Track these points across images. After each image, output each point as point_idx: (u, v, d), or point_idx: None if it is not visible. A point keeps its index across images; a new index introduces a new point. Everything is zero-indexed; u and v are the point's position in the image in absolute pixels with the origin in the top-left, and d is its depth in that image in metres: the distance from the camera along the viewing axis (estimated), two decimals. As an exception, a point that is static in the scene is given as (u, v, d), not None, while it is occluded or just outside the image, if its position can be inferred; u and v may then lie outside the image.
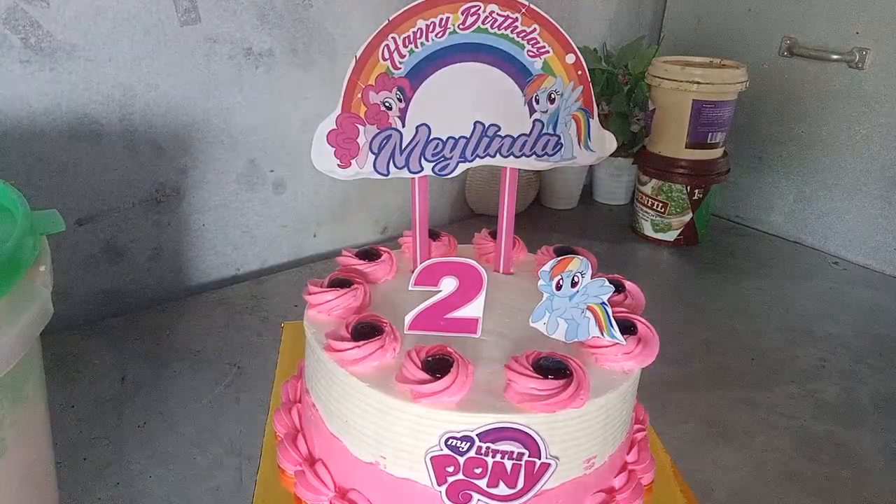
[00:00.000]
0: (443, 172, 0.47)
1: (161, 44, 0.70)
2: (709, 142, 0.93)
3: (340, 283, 0.46)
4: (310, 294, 0.46)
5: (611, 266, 0.51)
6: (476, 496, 0.38)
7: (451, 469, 0.38)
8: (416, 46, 0.44)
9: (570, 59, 0.47)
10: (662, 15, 1.18)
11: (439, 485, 0.38)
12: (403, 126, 0.45)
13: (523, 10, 0.45)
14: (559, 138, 0.48)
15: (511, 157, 0.48)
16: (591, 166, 1.06)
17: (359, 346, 0.40)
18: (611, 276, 0.46)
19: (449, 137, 0.46)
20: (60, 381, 0.61)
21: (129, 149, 0.72)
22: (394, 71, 0.44)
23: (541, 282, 0.42)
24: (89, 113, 0.68)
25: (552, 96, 0.47)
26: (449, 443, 0.37)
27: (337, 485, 0.43)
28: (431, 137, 0.46)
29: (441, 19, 0.44)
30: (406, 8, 0.43)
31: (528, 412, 0.37)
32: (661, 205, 0.97)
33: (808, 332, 0.77)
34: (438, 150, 0.46)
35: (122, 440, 0.55)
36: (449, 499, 0.38)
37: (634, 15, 1.16)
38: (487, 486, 0.38)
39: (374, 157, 0.45)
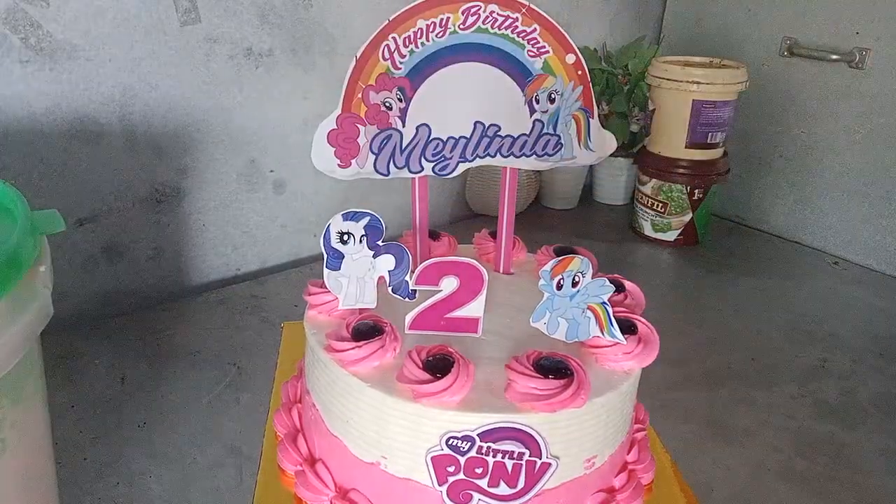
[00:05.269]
0: (443, 172, 0.47)
1: (161, 44, 0.70)
2: (709, 142, 0.93)
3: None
4: (310, 294, 0.46)
5: (611, 266, 0.51)
6: (477, 496, 0.38)
7: (451, 469, 0.38)
8: (417, 46, 0.44)
9: (571, 58, 0.47)
10: (662, 15, 1.18)
11: (440, 485, 0.38)
12: (404, 126, 0.45)
13: (523, 10, 0.45)
14: (559, 138, 0.48)
15: (511, 157, 0.48)
16: (591, 166, 1.06)
17: (359, 347, 0.40)
18: (611, 275, 0.46)
19: (449, 137, 0.46)
20: (60, 381, 0.61)
21: (129, 149, 0.72)
22: (394, 71, 0.44)
23: (541, 282, 0.42)
24: (89, 113, 0.68)
25: (552, 96, 0.47)
26: (450, 442, 0.37)
27: (337, 485, 0.43)
28: (431, 137, 0.46)
29: (441, 19, 0.44)
30: (406, 8, 0.43)
31: (528, 412, 0.37)
32: (660, 205, 0.97)
33: (808, 332, 0.77)
34: (438, 150, 0.46)
35: (122, 440, 0.55)
36: (450, 498, 0.38)
37: (634, 15, 1.16)
38: (488, 486, 0.38)
39: (374, 157, 0.45)
